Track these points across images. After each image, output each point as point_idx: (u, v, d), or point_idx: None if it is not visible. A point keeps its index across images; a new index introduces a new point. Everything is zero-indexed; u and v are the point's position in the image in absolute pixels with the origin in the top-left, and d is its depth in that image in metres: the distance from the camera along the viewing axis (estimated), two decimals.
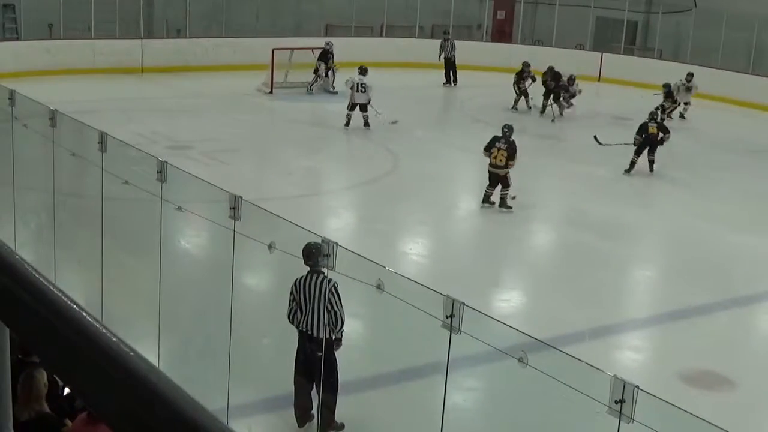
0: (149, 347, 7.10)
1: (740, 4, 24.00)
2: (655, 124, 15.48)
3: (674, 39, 27.09)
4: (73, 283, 9.07)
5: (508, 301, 10.21)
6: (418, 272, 9.88)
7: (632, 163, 15.52)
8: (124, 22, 23.48)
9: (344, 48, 23.04)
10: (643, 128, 15.48)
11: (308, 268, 6.65)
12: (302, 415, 6.89)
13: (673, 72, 24.76)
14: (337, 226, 12.13)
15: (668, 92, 20.02)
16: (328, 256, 6.07)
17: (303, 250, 6.55)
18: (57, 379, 5.11)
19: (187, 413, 1.06)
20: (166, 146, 15.09)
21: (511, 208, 12.86)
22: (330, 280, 6.55)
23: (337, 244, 5.92)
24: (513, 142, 12.84)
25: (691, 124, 20.28)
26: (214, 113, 19.01)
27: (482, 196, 12.94)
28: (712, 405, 7.59)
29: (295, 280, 6.72)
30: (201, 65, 23.41)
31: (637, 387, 4.22)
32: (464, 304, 4.87)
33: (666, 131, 15.45)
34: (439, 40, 24.58)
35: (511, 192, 12.89)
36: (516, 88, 20.70)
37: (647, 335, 9.84)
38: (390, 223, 12.17)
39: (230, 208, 6.31)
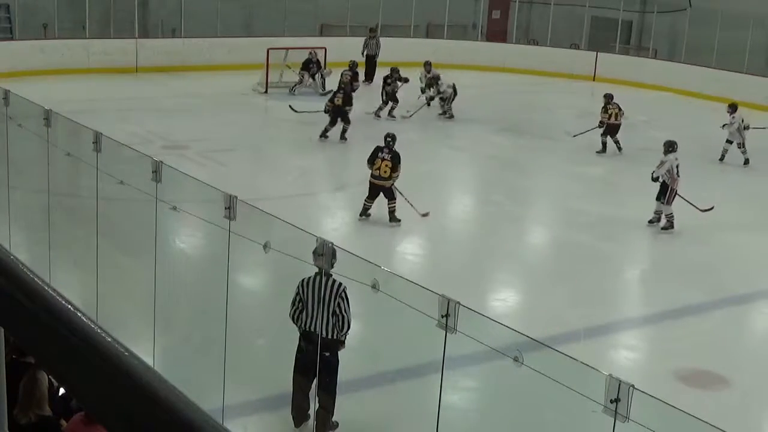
0: (144, 347, 7.09)
1: (735, 3, 24.02)
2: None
3: (669, 38, 27.13)
4: (68, 283, 9.04)
5: (504, 301, 10.22)
6: (414, 272, 9.89)
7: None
8: (119, 21, 23.44)
9: (339, 47, 23.02)
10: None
11: (316, 269, 6.52)
12: (299, 415, 6.88)
13: (668, 71, 24.89)
14: (333, 225, 12.13)
15: (606, 102, 17.32)
16: (322, 255, 6.06)
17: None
18: (52, 379, 5.10)
19: (182, 413, 1.06)
20: (162, 146, 15.08)
21: (399, 221, 12.00)
22: (340, 284, 6.51)
23: (333, 244, 5.92)
24: (397, 152, 12.16)
25: (687, 123, 20.30)
26: (210, 113, 18.98)
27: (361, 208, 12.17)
28: (706, 404, 7.61)
29: (302, 281, 6.67)
30: (196, 65, 23.38)
31: (633, 386, 4.22)
32: (459, 303, 4.87)
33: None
34: (363, 38, 23.96)
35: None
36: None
37: (642, 334, 9.85)
38: (385, 223, 12.15)
39: (225, 208, 6.30)
